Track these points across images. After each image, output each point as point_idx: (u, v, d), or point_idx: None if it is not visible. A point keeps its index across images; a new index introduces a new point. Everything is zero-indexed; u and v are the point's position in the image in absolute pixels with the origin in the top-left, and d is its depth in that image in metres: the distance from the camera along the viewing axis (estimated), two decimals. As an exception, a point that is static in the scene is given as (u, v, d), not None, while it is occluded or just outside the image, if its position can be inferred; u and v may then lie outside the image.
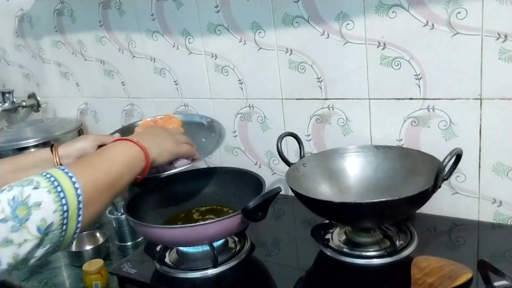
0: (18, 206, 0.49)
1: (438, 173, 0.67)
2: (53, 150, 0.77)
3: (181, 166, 0.78)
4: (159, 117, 0.97)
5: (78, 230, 0.55)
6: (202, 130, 0.93)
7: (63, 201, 0.52)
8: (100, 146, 0.79)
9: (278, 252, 0.83)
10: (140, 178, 0.70)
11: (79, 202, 0.53)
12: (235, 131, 1.15)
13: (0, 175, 0.71)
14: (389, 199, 0.66)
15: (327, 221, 0.85)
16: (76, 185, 0.54)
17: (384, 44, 0.87)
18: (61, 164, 0.76)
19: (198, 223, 0.71)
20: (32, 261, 0.52)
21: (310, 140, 1.03)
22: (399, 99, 0.90)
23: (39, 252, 0.52)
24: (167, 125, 0.89)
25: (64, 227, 0.52)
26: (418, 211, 0.91)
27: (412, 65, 0.86)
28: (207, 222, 0.71)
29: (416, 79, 0.86)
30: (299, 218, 0.98)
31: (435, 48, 0.83)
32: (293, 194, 1.11)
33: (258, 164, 1.14)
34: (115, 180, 0.62)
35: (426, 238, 0.81)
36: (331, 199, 0.84)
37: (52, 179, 0.53)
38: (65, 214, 0.52)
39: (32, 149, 1.24)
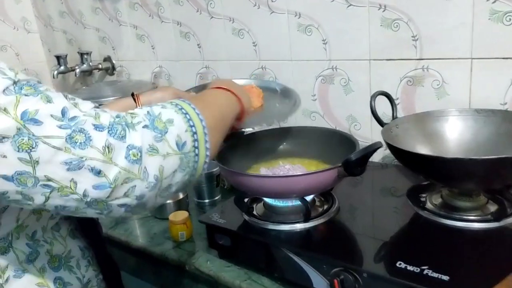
0: (154, 119, 0.50)
1: None
2: (136, 98, 0.78)
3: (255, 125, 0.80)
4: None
5: (207, 159, 0.54)
6: (276, 96, 0.94)
7: (191, 123, 0.52)
8: None
9: (366, 214, 0.80)
10: (238, 124, 0.73)
11: (203, 127, 0.53)
12: (314, 95, 1.11)
13: None
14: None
15: (417, 184, 0.80)
16: (197, 111, 0.54)
17: (497, -4, 0.80)
18: None
19: (296, 174, 0.70)
20: (174, 188, 0.52)
21: (398, 104, 0.98)
22: (507, 58, 0.82)
23: (179, 176, 0.51)
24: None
25: (196, 151, 0.52)
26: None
27: (528, 19, 0.78)
28: (305, 173, 0.69)
29: (532, 35, 0.79)
30: (378, 186, 0.94)
31: (559, -1, 0.75)
32: (373, 161, 1.08)
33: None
34: (224, 117, 0.63)
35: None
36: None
37: (175, 103, 0.54)
38: (195, 136, 0.52)
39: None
